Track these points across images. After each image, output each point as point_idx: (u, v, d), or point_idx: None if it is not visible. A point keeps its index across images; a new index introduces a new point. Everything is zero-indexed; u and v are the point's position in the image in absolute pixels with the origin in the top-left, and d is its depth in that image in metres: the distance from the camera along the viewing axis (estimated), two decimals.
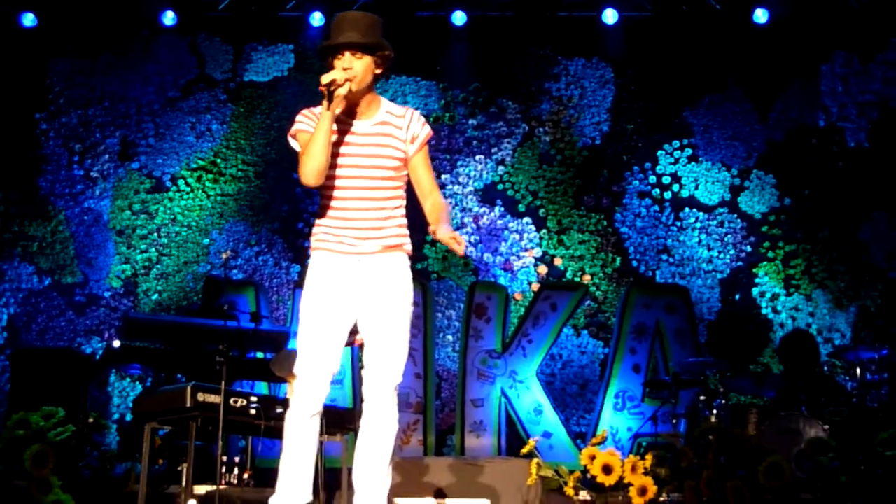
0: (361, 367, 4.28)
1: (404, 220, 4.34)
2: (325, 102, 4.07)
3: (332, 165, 4.16)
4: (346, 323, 4.22)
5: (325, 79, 4.06)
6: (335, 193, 4.20)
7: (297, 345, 4.22)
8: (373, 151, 4.21)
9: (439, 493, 6.43)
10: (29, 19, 9.77)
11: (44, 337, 9.61)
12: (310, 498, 4.21)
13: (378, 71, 4.20)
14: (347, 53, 4.13)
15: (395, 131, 4.25)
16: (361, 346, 4.30)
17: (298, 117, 4.27)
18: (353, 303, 4.21)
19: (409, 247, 4.35)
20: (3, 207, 9.86)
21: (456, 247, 4.16)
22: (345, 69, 4.10)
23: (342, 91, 4.06)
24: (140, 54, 10.13)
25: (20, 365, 8.10)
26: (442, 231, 4.20)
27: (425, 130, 4.30)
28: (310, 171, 4.08)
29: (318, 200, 4.32)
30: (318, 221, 4.29)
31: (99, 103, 10.07)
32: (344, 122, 4.20)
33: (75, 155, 9.97)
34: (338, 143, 4.17)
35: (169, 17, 9.78)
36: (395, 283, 4.26)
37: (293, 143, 4.28)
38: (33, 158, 9.95)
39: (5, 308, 9.67)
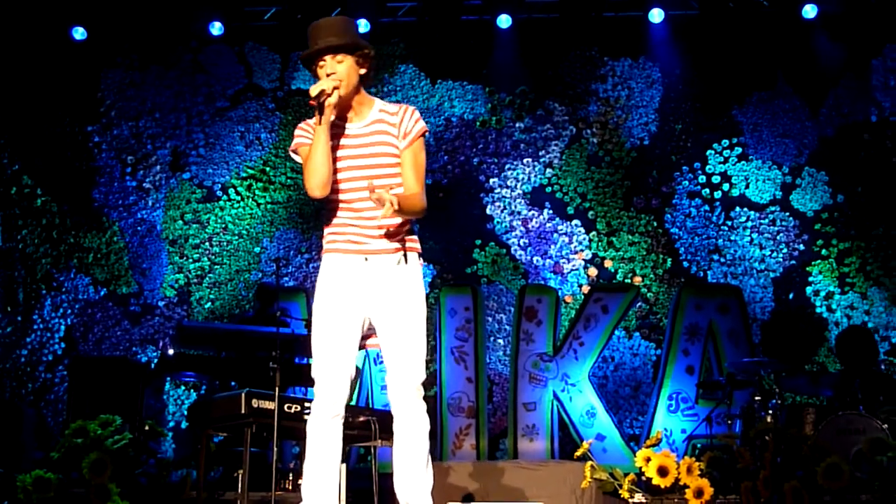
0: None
1: (411, 219, 4.31)
2: (316, 116, 4.08)
3: (333, 170, 4.18)
4: (356, 323, 4.21)
5: (314, 91, 4.06)
6: (338, 196, 4.23)
7: (312, 350, 4.21)
8: (368, 151, 4.22)
9: (467, 498, 6.41)
10: (80, 33, 9.91)
11: (100, 346, 9.75)
12: (335, 503, 4.21)
13: (363, 71, 4.21)
14: (328, 58, 4.14)
15: (388, 128, 4.25)
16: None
17: (297, 131, 4.30)
18: (362, 303, 4.21)
19: (417, 244, 4.31)
20: (59, 220, 10.00)
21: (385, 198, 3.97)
22: (328, 75, 4.11)
23: (332, 99, 4.07)
24: (189, 65, 10.25)
25: (78, 374, 8.20)
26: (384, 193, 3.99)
27: (418, 126, 4.26)
28: (314, 185, 4.12)
29: (324, 205, 4.31)
30: (325, 225, 4.32)
31: (150, 115, 10.19)
32: (338, 126, 4.21)
33: (128, 167, 10.10)
34: (334, 148, 4.18)
35: (216, 28, 9.87)
36: (405, 282, 4.23)
37: (295, 157, 4.32)
38: (87, 170, 10.10)
39: (63, 319, 9.81)
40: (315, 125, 4.10)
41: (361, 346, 4.34)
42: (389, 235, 4.22)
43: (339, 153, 4.22)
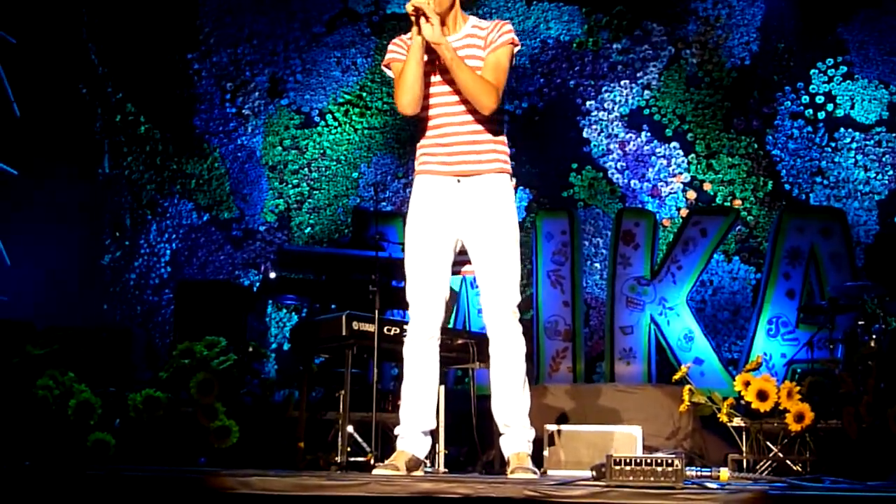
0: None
1: (503, 139, 4.30)
2: (413, 29, 4.08)
3: (425, 87, 4.19)
4: (449, 245, 4.23)
5: (409, 6, 4.05)
6: (430, 113, 4.24)
7: (406, 272, 4.24)
8: None
9: (563, 419, 6.45)
10: None
11: (204, 270, 9.99)
12: (433, 424, 4.27)
13: None
14: None
15: (478, 42, 4.24)
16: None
17: (390, 46, 4.31)
18: (455, 224, 4.22)
19: (508, 167, 4.29)
20: (162, 146, 10.21)
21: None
22: None
23: (433, 18, 4.05)
24: None
25: (183, 297, 8.42)
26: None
27: (505, 37, 4.22)
28: (406, 102, 4.14)
29: (417, 124, 4.32)
30: (418, 145, 4.33)
31: (247, 41, 10.29)
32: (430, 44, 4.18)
33: (227, 93, 10.24)
34: (427, 64, 4.17)
35: None
36: (496, 206, 4.21)
37: (387, 73, 4.33)
38: (187, 98, 10.27)
39: (168, 244, 10.07)
40: (410, 39, 4.10)
41: (456, 272, 4.36)
42: (480, 158, 4.21)
43: (432, 69, 4.22)
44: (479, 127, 4.21)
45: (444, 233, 4.22)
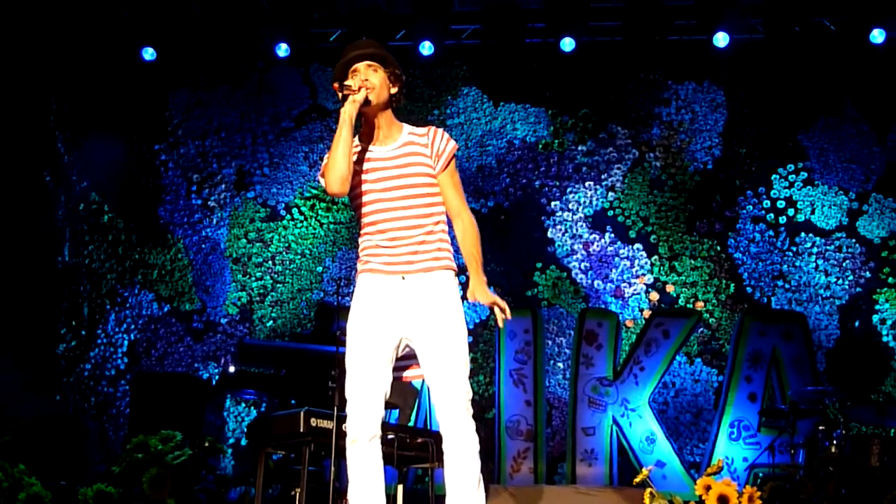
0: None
1: (446, 237, 4.31)
2: (345, 105, 4.13)
3: (366, 191, 4.23)
4: (391, 343, 4.18)
5: (335, 84, 4.16)
6: (372, 218, 4.24)
7: (346, 367, 4.19)
8: (401, 172, 4.22)
9: None
10: (149, 53, 10.08)
11: (163, 362, 9.86)
12: None
13: (394, 90, 4.27)
14: (361, 66, 4.21)
15: (420, 149, 4.28)
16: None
17: (328, 154, 4.31)
18: (398, 322, 4.18)
19: (452, 263, 4.29)
20: (125, 236, 10.16)
21: (499, 314, 4.17)
22: (362, 80, 4.16)
23: (359, 97, 4.12)
24: (255, 85, 10.38)
25: (140, 389, 8.30)
26: (483, 296, 4.24)
27: (450, 146, 4.30)
28: (334, 179, 4.15)
29: (360, 225, 4.33)
30: (361, 244, 4.33)
31: (216, 134, 10.33)
32: (369, 150, 4.26)
33: (193, 185, 10.24)
34: (367, 171, 4.23)
35: (283, 49, 9.97)
36: (442, 301, 4.18)
37: (321, 181, 4.34)
38: (153, 188, 10.26)
39: (126, 334, 9.95)
40: (341, 117, 4.13)
41: (397, 378, 4.29)
42: (425, 257, 4.21)
43: (372, 175, 4.24)
44: (425, 228, 4.22)
45: (387, 331, 4.18)
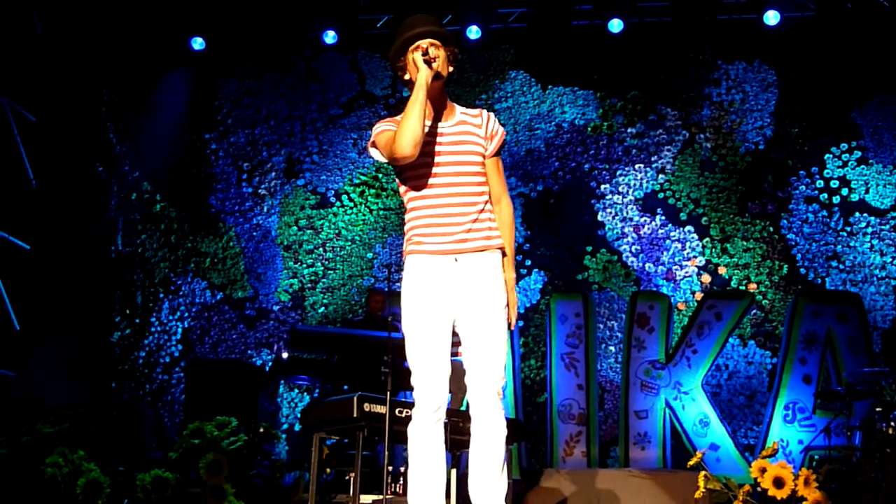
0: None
1: (494, 217, 4.28)
2: (423, 69, 4.08)
3: (419, 167, 4.18)
4: (448, 324, 4.17)
5: (419, 53, 4.09)
6: (425, 192, 4.19)
7: (407, 354, 4.19)
8: (457, 149, 4.20)
9: None
10: (198, 43, 10.17)
11: (216, 349, 9.96)
12: None
13: (451, 69, 4.23)
14: (425, 43, 4.14)
15: (474, 129, 4.26)
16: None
17: (380, 123, 4.28)
18: (452, 303, 4.16)
19: (503, 242, 4.26)
20: (177, 225, 10.26)
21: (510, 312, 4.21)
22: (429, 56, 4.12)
23: (439, 65, 4.09)
24: (303, 73, 10.43)
25: (194, 376, 8.38)
26: (508, 290, 4.24)
27: (501, 130, 4.33)
28: (408, 142, 4.06)
29: (409, 205, 4.27)
30: (411, 225, 4.26)
31: (265, 122, 10.40)
32: (424, 126, 4.17)
33: (244, 173, 10.32)
34: (422, 145, 4.16)
35: (330, 36, 10.01)
36: (492, 284, 4.18)
37: (372, 151, 4.30)
38: (204, 177, 10.35)
39: (180, 322, 10.06)
40: (420, 77, 4.09)
41: (454, 354, 4.29)
42: (477, 236, 4.19)
43: (427, 150, 4.19)
44: (477, 206, 4.20)
45: (443, 313, 4.17)
